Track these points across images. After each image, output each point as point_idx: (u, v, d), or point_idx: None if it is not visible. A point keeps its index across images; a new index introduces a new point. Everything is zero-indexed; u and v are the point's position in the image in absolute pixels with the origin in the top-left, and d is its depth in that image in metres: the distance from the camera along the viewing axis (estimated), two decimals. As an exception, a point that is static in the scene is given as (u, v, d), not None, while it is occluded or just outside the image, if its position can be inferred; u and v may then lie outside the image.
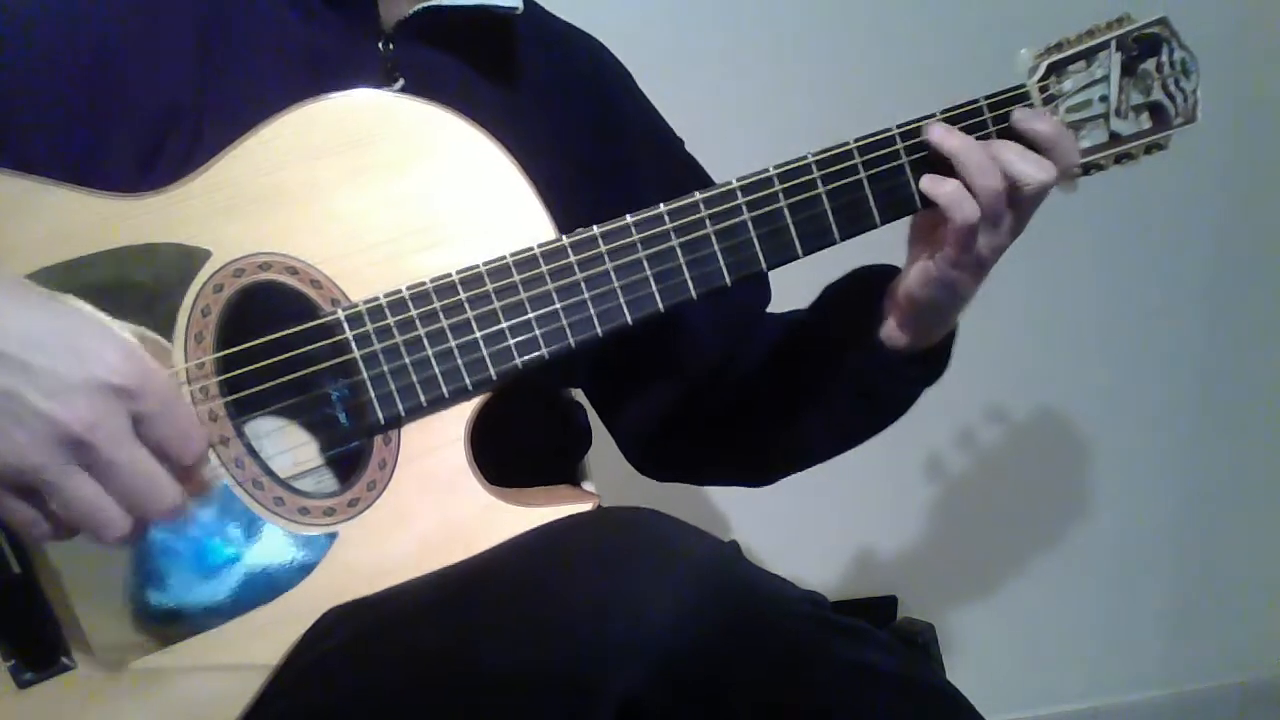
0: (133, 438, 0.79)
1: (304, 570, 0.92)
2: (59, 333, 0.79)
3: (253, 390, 0.91)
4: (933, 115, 1.02)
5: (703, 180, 1.19)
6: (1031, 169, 0.99)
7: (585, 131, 1.14)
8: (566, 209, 0.98)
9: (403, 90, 1.03)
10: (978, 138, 1.01)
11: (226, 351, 0.91)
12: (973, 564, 2.13)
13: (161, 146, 0.98)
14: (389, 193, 0.94)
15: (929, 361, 1.11)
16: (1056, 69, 1.04)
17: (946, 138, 1.00)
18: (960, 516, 2.09)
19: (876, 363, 1.09)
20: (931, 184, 1.00)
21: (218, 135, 0.95)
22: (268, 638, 0.91)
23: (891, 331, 1.08)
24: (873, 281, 1.11)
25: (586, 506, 0.97)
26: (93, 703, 0.89)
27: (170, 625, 0.90)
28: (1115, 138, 1.06)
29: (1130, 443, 2.17)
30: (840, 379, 1.12)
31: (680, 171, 1.21)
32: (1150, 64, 1.06)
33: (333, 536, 0.92)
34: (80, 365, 0.77)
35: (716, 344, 1.20)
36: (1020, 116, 1.02)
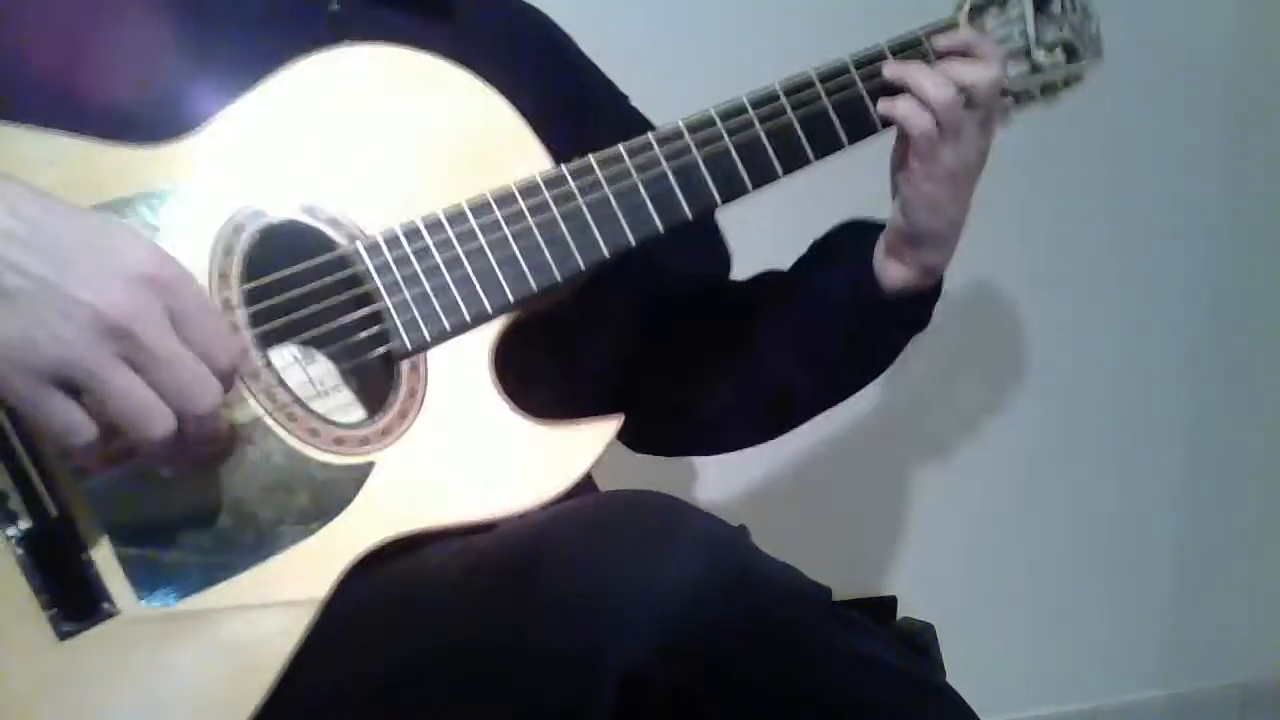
0: (173, 331, 0.79)
1: (344, 500, 0.92)
2: (93, 228, 0.79)
3: (279, 322, 0.92)
4: (879, 45, 1.11)
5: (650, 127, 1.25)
6: (976, 71, 1.09)
7: (540, 78, 1.17)
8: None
9: None
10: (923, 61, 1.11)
11: (251, 284, 0.92)
12: (973, 564, 2.12)
13: (137, 107, 0.98)
14: (397, 137, 0.98)
15: (917, 306, 1.15)
16: (977, 11, 1.16)
17: (899, 69, 1.09)
18: (960, 516, 2.09)
19: (867, 298, 1.13)
20: (887, 104, 1.09)
21: (181, 99, 0.97)
22: (313, 571, 0.90)
23: (885, 266, 1.13)
24: (863, 229, 1.16)
25: (613, 425, 0.99)
26: (138, 647, 0.87)
27: (212, 564, 0.89)
28: (1036, 68, 1.18)
29: (1131, 443, 2.18)
30: (829, 316, 1.16)
31: (631, 122, 1.23)
32: (1055, 6, 1.18)
33: (370, 465, 0.93)
34: (118, 258, 0.78)
35: (677, 281, 1.23)
36: (940, 37, 1.12)
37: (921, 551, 2.08)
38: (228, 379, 0.83)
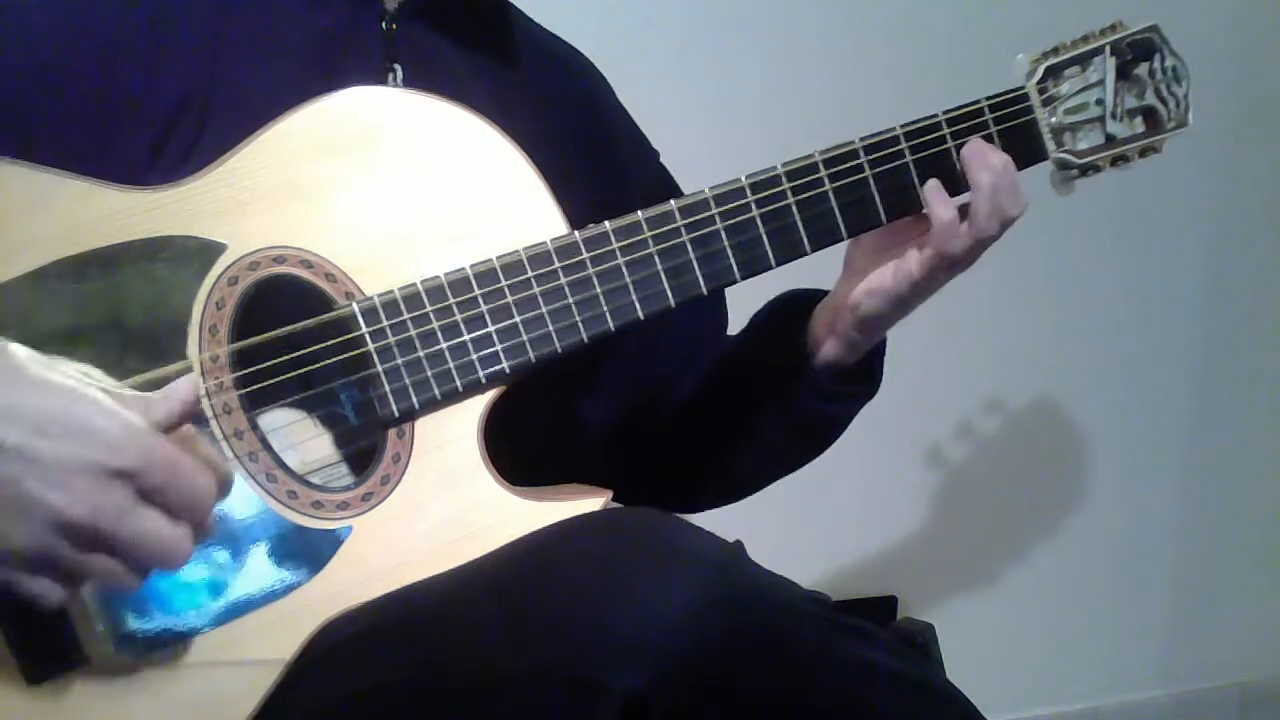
0: (137, 510, 0.77)
1: (318, 565, 0.91)
2: (58, 415, 0.76)
3: (267, 383, 0.91)
4: (935, 115, 1.03)
5: (677, 192, 1.19)
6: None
7: (574, 126, 1.15)
8: (559, 200, 0.98)
9: (401, 75, 1.04)
10: (982, 137, 1.03)
11: (241, 344, 0.91)
12: (973, 564, 2.14)
13: (168, 139, 0.98)
14: (403, 188, 0.95)
15: (860, 379, 1.11)
16: (1053, 72, 1.06)
17: (987, 156, 1.02)
18: (960, 516, 2.10)
19: (807, 385, 1.09)
20: (938, 202, 1.02)
21: (223, 126, 0.96)
22: (281, 633, 0.91)
23: (823, 348, 1.09)
24: (797, 305, 1.12)
25: (599, 500, 0.97)
26: (104, 700, 0.88)
27: (183, 620, 0.90)
28: (1111, 140, 1.08)
29: (1131, 442, 2.18)
30: (770, 405, 1.12)
31: (658, 182, 1.22)
32: (1143, 69, 1.08)
33: (347, 530, 0.92)
34: (82, 449, 0.75)
35: (676, 359, 1.20)
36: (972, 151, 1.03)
37: (921, 551, 2.09)
38: (204, 525, 0.82)
